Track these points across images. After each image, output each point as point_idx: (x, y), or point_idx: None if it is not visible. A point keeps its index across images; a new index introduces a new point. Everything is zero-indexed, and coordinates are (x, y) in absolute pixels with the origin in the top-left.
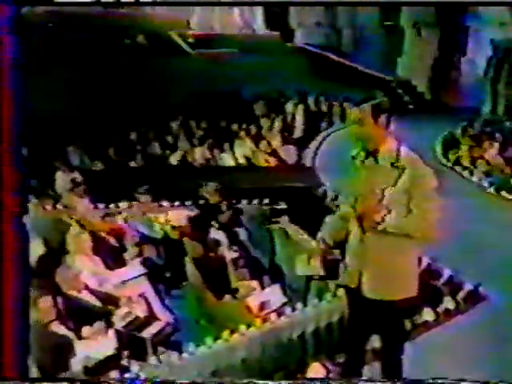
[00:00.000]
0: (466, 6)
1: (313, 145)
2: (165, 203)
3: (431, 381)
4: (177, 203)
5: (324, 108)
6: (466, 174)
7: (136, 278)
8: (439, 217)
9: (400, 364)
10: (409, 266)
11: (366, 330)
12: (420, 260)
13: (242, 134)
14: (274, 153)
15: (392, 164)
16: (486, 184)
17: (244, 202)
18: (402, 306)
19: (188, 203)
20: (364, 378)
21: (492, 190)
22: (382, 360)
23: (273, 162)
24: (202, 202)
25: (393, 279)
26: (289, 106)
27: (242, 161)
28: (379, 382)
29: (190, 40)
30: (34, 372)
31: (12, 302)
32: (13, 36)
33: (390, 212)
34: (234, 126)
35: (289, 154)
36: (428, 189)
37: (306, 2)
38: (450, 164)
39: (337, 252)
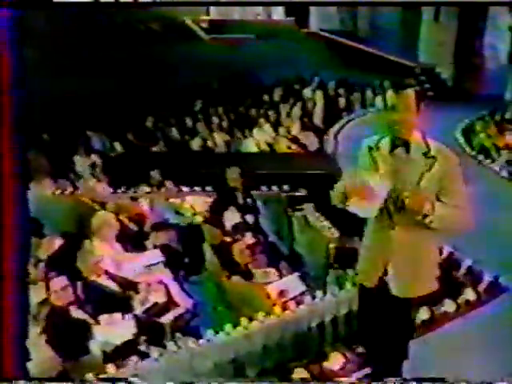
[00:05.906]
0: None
1: (333, 131)
2: (185, 188)
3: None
4: (197, 188)
5: (344, 94)
6: (488, 162)
7: (156, 264)
8: (467, 207)
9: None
10: (433, 260)
11: (382, 323)
12: (441, 250)
13: (262, 119)
14: (295, 139)
15: (425, 154)
16: (506, 173)
17: (264, 188)
18: (421, 299)
19: (208, 189)
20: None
21: None
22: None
23: (294, 148)
24: (222, 187)
25: (419, 274)
26: (308, 92)
27: (264, 147)
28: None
29: (205, 26)
30: (51, 355)
31: (12, 301)
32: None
33: (433, 204)
34: (253, 112)
35: (310, 140)
36: (457, 179)
37: (325, 1)
38: (473, 152)
39: (355, 240)
